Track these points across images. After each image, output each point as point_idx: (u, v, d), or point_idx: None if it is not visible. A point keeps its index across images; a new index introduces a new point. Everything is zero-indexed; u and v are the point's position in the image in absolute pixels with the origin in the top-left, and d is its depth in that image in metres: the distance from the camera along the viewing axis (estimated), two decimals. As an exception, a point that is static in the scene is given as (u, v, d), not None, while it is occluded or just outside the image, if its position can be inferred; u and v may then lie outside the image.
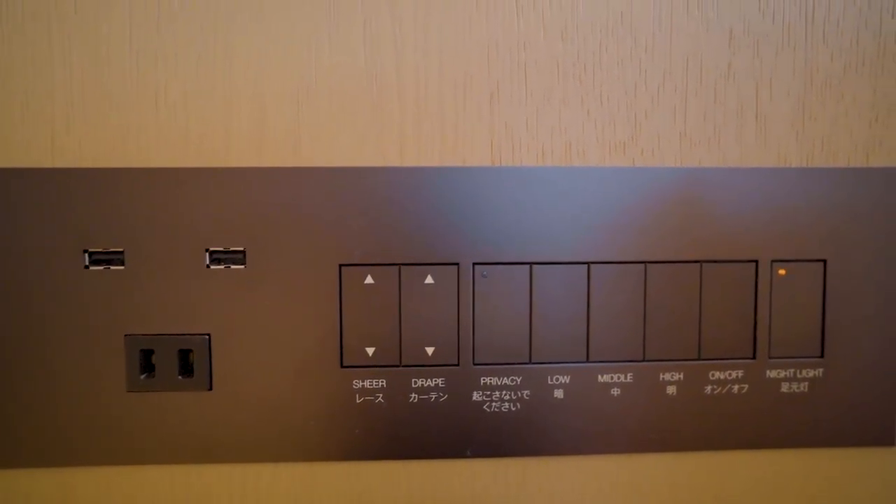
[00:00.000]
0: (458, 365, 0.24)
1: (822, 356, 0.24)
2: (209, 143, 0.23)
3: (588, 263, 0.24)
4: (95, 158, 0.23)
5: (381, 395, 0.24)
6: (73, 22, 0.22)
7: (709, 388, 0.24)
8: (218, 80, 0.23)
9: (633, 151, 0.24)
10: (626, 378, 0.24)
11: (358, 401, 0.24)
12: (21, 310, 0.22)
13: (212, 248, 0.23)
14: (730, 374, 0.24)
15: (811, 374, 0.24)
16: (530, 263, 0.24)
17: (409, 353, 0.24)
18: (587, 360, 0.24)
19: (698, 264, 0.24)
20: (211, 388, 0.23)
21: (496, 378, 0.24)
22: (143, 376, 0.23)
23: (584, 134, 0.24)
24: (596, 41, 0.24)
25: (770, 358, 0.24)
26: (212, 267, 0.23)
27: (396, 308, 0.23)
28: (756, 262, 0.24)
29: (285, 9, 0.23)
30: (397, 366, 0.24)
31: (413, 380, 0.24)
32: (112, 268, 0.23)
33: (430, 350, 0.24)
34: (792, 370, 0.24)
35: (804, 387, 0.24)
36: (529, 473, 0.25)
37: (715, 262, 0.24)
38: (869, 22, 0.24)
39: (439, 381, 0.24)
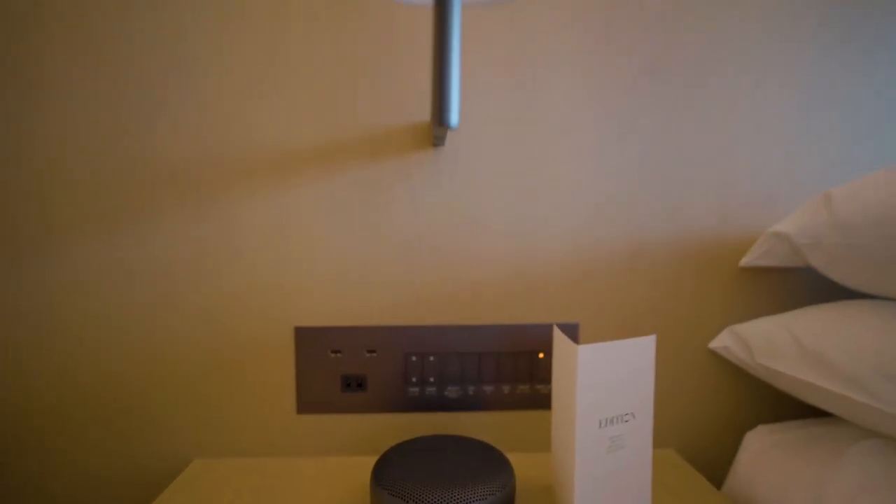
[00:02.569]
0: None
1: (544, 380, 0.85)
2: (382, 314, 0.77)
3: (480, 354, 0.81)
4: (337, 320, 0.76)
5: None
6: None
7: (512, 389, 0.83)
8: (363, 299, 0.78)
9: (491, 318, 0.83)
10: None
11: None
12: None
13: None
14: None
15: (541, 385, 0.84)
16: (460, 353, 0.81)
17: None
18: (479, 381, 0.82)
19: (513, 353, 0.83)
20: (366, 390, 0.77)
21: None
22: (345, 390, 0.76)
23: (479, 316, 0.82)
24: (491, 281, 0.82)
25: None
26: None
27: (430, 364, 0.79)
28: (535, 351, 0.84)
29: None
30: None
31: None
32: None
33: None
34: (535, 384, 0.84)
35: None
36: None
37: (512, 353, 0.83)
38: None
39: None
